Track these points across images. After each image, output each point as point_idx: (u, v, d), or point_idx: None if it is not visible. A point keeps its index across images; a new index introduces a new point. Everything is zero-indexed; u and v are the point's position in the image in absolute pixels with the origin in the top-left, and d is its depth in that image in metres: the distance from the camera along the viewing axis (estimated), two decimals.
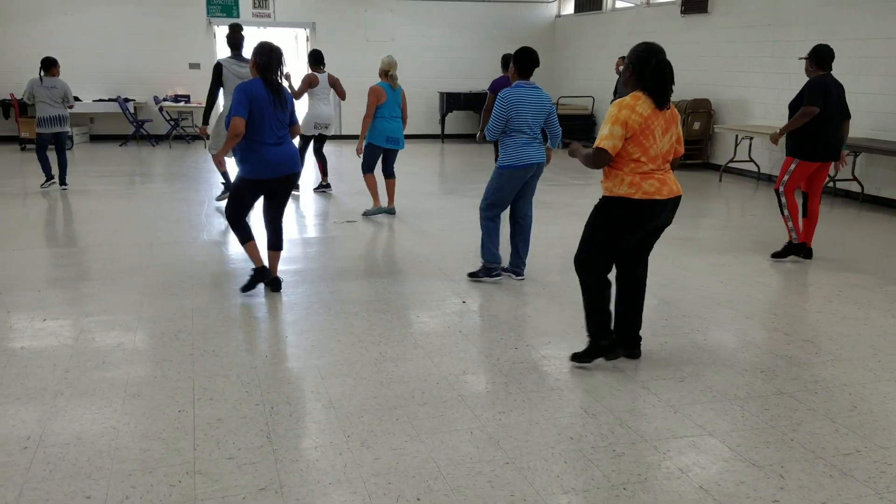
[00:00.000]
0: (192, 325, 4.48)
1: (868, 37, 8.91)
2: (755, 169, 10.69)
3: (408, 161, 12.24)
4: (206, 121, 8.00)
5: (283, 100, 4.82)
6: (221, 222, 7.47)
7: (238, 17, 14.31)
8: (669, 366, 4.01)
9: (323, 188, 9.18)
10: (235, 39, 7.70)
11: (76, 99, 10.25)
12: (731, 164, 10.85)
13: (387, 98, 7.39)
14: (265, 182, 4.89)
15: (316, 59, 8.91)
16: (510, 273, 5.64)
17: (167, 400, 3.49)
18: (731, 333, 4.54)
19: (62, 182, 8.99)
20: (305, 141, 8.92)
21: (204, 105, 8.04)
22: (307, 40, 15.06)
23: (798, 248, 6.28)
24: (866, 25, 8.93)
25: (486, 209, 5.50)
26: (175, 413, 3.36)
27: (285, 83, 8.76)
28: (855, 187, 9.18)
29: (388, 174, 7.85)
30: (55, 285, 5.27)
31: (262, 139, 4.75)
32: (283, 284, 5.25)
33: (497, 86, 8.56)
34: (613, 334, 3.99)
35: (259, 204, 5.25)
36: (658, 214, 3.74)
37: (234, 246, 6.53)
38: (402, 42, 15.34)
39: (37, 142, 8.92)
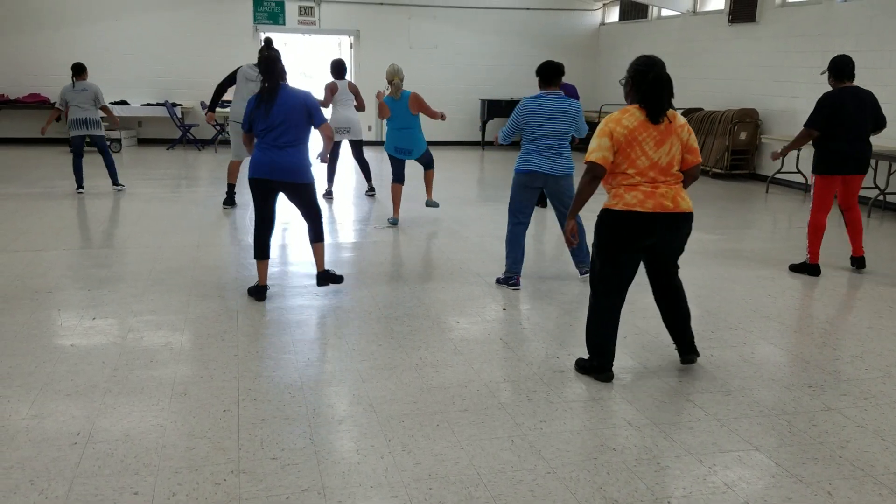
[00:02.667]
0: (236, 327, 4.55)
1: None
2: (803, 180, 10.47)
3: (447, 167, 12.28)
4: (211, 108, 8.74)
5: (274, 105, 4.82)
6: None
7: (284, 24, 14.52)
8: (716, 379, 3.95)
9: (368, 193, 9.30)
10: (341, 69, 8.37)
11: (123, 102, 10.46)
12: (777, 175, 10.66)
13: (391, 112, 7.29)
14: (261, 182, 4.95)
15: (337, 68, 9.03)
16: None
17: (213, 399, 3.55)
18: (779, 347, 4.45)
19: (115, 182, 9.15)
20: (354, 148, 9.09)
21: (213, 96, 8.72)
22: (350, 47, 15.21)
23: (811, 269, 6.08)
24: None
25: (510, 216, 5.57)
26: (220, 412, 3.41)
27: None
28: None
29: (426, 167, 7.76)
30: (104, 285, 5.39)
31: (259, 142, 4.94)
32: (328, 284, 5.30)
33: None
34: (608, 358, 3.91)
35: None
36: (645, 228, 3.67)
37: (275, 249, 6.61)
38: (444, 49, 15.41)
39: (71, 148, 9.06)
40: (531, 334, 4.57)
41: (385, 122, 7.45)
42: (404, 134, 7.35)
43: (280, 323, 4.67)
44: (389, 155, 7.55)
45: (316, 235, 5.24)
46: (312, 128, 5.03)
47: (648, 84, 3.62)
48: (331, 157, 9.18)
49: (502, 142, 5.59)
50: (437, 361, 4.09)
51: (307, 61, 20.46)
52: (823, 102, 5.87)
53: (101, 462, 2.97)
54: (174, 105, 13.91)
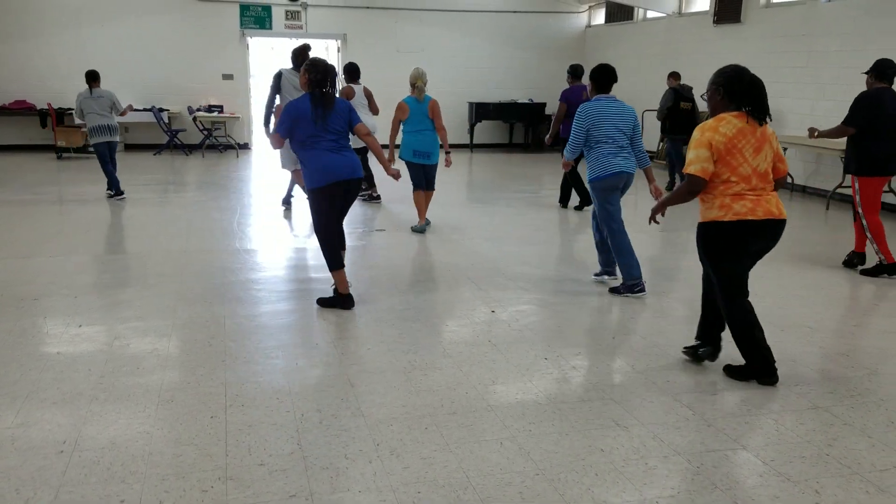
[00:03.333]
0: (224, 332, 4.53)
1: None
2: (789, 179, 10.54)
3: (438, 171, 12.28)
4: (266, 123, 8.06)
5: (332, 111, 4.81)
6: (253, 231, 7.55)
7: (271, 28, 14.50)
8: (703, 378, 3.96)
9: (368, 198, 9.24)
10: (303, 56, 7.92)
11: (133, 109, 10.30)
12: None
13: (410, 112, 7.29)
14: (332, 187, 4.84)
15: (351, 72, 8.99)
16: (603, 276, 5.72)
17: (200, 406, 3.53)
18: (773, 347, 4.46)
19: (114, 190, 9.09)
20: (359, 154, 9.08)
21: (263, 112, 8.13)
22: (338, 51, 15.19)
23: (891, 268, 6.04)
24: None
25: (606, 227, 5.40)
26: (207, 419, 3.40)
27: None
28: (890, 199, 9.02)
29: (428, 186, 7.66)
30: (91, 291, 5.36)
31: (317, 148, 4.80)
32: (351, 298, 5.11)
33: (568, 95, 8.67)
34: (769, 358, 3.86)
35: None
36: (753, 237, 3.69)
37: (265, 254, 6.60)
38: (431, 52, 15.42)
39: (97, 156, 9.00)
40: (520, 336, 4.57)
41: (401, 127, 7.40)
42: (424, 137, 7.33)
43: (268, 328, 4.65)
44: (407, 162, 7.45)
45: (342, 241, 5.26)
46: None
47: (748, 85, 3.63)
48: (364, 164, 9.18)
49: (571, 156, 5.52)
50: (426, 364, 4.09)
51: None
52: (862, 102, 5.91)
53: (88, 470, 2.95)
54: (161, 110, 13.86)
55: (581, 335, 4.67)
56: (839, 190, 9.28)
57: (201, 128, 14.06)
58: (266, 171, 12.17)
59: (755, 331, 3.81)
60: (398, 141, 7.55)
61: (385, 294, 5.39)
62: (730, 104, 3.67)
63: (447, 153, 7.49)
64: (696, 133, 3.67)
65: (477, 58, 15.68)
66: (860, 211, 6.08)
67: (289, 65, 7.82)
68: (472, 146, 15.66)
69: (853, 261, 6.28)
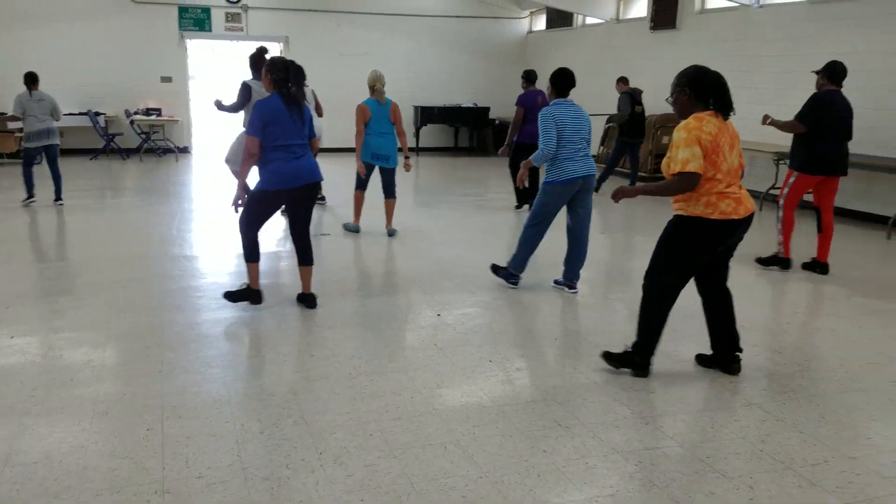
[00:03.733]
0: (161, 341, 4.43)
1: (833, 52, 9.09)
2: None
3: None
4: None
5: (301, 114, 4.79)
6: (193, 237, 7.41)
7: (210, 31, 14.26)
8: (642, 378, 4.04)
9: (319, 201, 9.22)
10: (259, 60, 7.70)
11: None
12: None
13: (372, 114, 7.19)
14: (287, 192, 4.84)
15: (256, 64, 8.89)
16: (563, 287, 5.68)
17: (136, 418, 3.44)
18: (701, 345, 4.57)
19: (58, 198, 8.80)
20: None
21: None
22: (280, 54, 15.02)
23: (784, 262, 6.34)
24: (831, 41, 9.13)
25: (528, 224, 5.57)
26: (144, 431, 3.32)
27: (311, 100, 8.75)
28: None
29: (387, 194, 7.58)
30: (23, 301, 5.18)
31: (285, 151, 4.74)
32: (261, 293, 5.14)
33: (524, 99, 8.65)
34: (651, 359, 4.02)
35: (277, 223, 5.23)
36: (733, 233, 3.78)
37: (206, 260, 6.48)
38: (376, 56, 15.36)
39: (24, 157, 8.71)
40: (465, 339, 4.59)
41: (365, 128, 7.25)
42: (385, 140, 7.28)
43: (207, 336, 4.57)
44: (364, 163, 7.37)
45: (307, 257, 5.17)
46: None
47: (712, 81, 3.69)
48: None
49: (544, 160, 5.38)
50: (371, 370, 4.07)
51: (237, 68, 20.10)
52: (816, 102, 6.04)
53: (20, 486, 2.85)
54: (97, 114, 13.49)
55: (525, 337, 4.71)
56: (772, 191, 9.59)
57: (139, 131, 13.74)
58: (206, 174, 11.95)
59: (656, 335, 3.96)
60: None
61: (329, 299, 5.35)
62: (697, 103, 3.71)
63: (406, 157, 7.50)
64: (680, 133, 3.66)
65: (421, 62, 15.71)
66: (781, 203, 6.31)
67: (245, 72, 7.66)
68: (417, 150, 15.67)
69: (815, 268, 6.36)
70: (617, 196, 3.97)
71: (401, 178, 12.39)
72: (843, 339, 4.74)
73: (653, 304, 3.94)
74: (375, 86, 7.21)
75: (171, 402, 3.61)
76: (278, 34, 14.79)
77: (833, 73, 6.11)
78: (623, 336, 4.64)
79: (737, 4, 10.47)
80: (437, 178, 12.46)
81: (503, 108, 16.32)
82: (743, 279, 6.15)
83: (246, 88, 7.54)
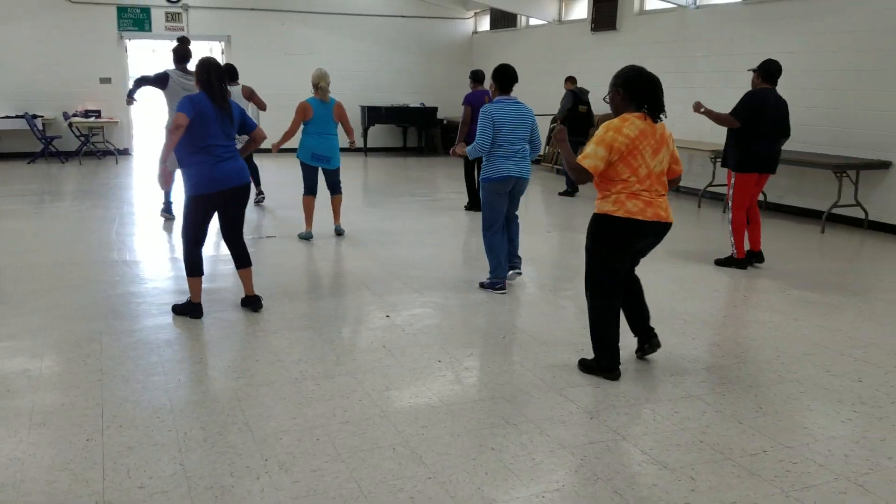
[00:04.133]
0: (101, 350, 4.32)
1: (765, 52, 9.37)
2: None
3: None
4: (130, 94, 7.83)
5: (229, 114, 4.71)
6: (133, 241, 7.24)
7: (150, 30, 13.97)
8: (586, 373, 4.10)
9: (256, 200, 9.11)
10: (183, 52, 7.61)
11: None
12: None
13: (314, 114, 7.03)
14: (214, 196, 4.73)
15: (228, 73, 8.79)
16: (511, 273, 5.83)
17: (75, 428, 3.35)
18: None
19: None
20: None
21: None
22: (222, 53, 14.79)
23: (740, 263, 6.42)
24: (762, 41, 9.41)
25: (484, 228, 5.61)
26: (83, 442, 3.23)
27: (247, 103, 8.61)
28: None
29: (332, 191, 7.47)
30: None
31: (209, 154, 4.65)
32: (201, 307, 4.96)
33: (471, 99, 8.58)
34: (616, 357, 4.00)
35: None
36: (640, 236, 3.82)
37: (146, 265, 6.34)
38: (321, 55, 15.24)
39: None
40: (414, 340, 4.59)
41: (305, 128, 7.14)
42: (327, 140, 7.11)
43: (148, 343, 4.47)
44: (304, 164, 7.22)
45: (243, 260, 5.10)
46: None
47: (645, 84, 3.73)
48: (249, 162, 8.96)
49: (478, 154, 5.47)
50: (318, 374, 4.04)
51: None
52: (750, 100, 6.13)
53: None
54: (35, 117, 13.10)
55: (474, 336, 4.73)
56: (709, 188, 9.83)
57: (78, 134, 13.39)
58: (147, 177, 11.69)
59: (611, 330, 3.96)
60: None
61: (275, 303, 5.29)
62: (630, 103, 3.76)
63: (351, 142, 7.51)
64: (599, 130, 3.74)
65: (367, 62, 15.65)
66: (729, 204, 6.45)
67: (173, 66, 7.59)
68: (366, 150, 15.61)
69: (746, 263, 6.47)
70: (557, 137, 4.07)
71: (350, 178, 12.36)
72: (779, 331, 4.89)
73: (597, 307, 3.97)
74: (320, 84, 7.05)
75: (112, 412, 3.52)
76: (220, 34, 14.57)
77: (767, 71, 6.23)
78: (570, 332, 4.72)
79: (674, 5, 10.71)
80: (386, 179, 12.43)
81: (451, 107, 16.37)
82: (684, 275, 6.29)
83: (165, 74, 7.46)
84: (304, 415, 3.54)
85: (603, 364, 3.99)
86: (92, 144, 13.63)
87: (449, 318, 5.05)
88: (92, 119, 13.64)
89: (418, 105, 15.88)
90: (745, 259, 6.45)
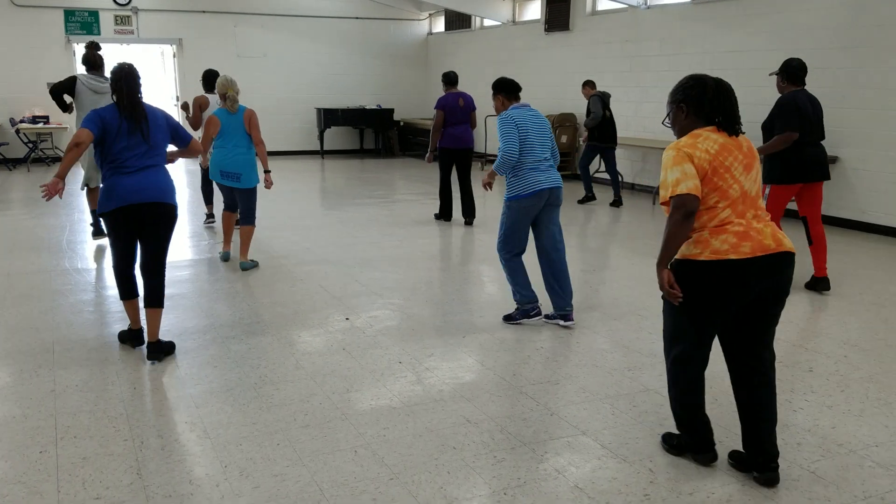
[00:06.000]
0: (53, 360, 4.22)
1: (714, 50, 9.60)
2: (620, 178, 11.22)
3: (288, 178, 12.07)
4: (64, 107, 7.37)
5: (140, 125, 4.15)
6: (85, 249, 7.09)
7: (99, 34, 13.68)
8: (546, 369, 4.15)
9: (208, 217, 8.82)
10: (92, 59, 7.11)
11: None
12: (597, 174, 11.37)
13: (221, 126, 6.19)
14: (120, 212, 4.14)
15: (207, 79, 8.24)
16: (557, 319, 4.90)
17: (27, 441, 3.27)
18: (601, 335, 4.74)
19: None
20: (203, 170, 8.57)
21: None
22: (174, 57, 14.58)
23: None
24: (712, 40, 9.62)
25: (501, 249, 4.90)
26: (36, 454, 3.16)
27: (181, 113, 8.14)
28: None
29: (241, 218, 6.43)
30: None
31: (115, 168, 4.16)
32: (168, 348, 4.41)
33: (444, 103, 8.18)
34: (703, 435, 3.14)
35: None
36: (741, 279, 2.86)
37: (98, 273, 6.21)
38: (275, 58, 15.15)
39: None
40: (374, 342, 4.58)
41: (213, 142, 6.34)
42: (234, 154, 6.21)
43: (102, 352, 4.38)
44: (216, 183, 6.50)
45: (150, 296, 4.31)
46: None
47: (714, 92, 2.96)
48: (204, 180, 8.45)
49: (507, 169, 4.72)
50: (278, 378, 4.01)
51: None
52: (788, 105, 5.50)
53: None
54: None
55: (434, 336, 4.74)
56: None
57: (26, 140, 13.06)
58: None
59: (689, 410, 3.14)
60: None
61: (231, 308, 5.23)
62: (698, 119, 2.99)
63: (266, 172, 6.35)
64: (669, 152, 2.93)
65: (323, 63, 15.57)
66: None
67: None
68: (322, 153, 15.53)
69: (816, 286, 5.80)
70: (661, 280, 2.98)
71: (308, 181, 12.29)
72: None
73: (676, 382, 3.12)
74: (227, 93, 6.19)
75: (65, 423, 3.45)
76: (171, 37, 14.35)
77: (791, 72, 5.68)
78: (530, 330, 4.75)
79: (625, 6, 10.87)
80: (344, 181, 12.37)
81: (408, 109, 16.39)
82: (640, 271, 6.39)
83: (72, 79, 6.99)
84: (263, 420, 3.50)
85: (689, 441, 3.17)
86: (40, 151, 13.32)
87: (409, 319, 5.05)
88: (40, 125, 13.32)
89: (375, 107, 15.85)
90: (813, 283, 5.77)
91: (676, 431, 3.23)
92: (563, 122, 11.77)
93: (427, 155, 8.56)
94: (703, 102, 2.96)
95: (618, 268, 6.37)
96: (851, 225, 8.30)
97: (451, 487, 2.93)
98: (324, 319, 5.03)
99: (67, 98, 7.14)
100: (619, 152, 10.92)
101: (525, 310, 4.93)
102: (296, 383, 3.94)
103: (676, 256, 2.97)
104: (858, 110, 8.10)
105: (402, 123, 16.10)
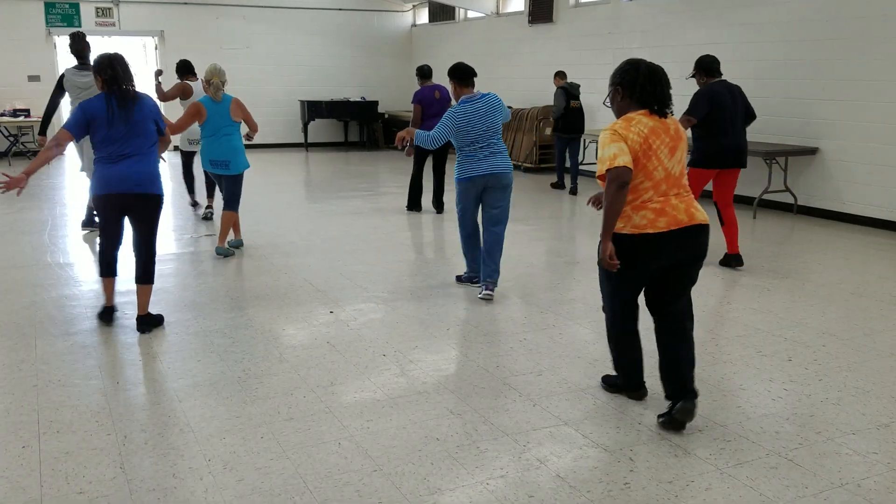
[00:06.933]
0: (35, 355, 4.21)
1: (696, 42, 9.63)
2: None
3: (272, 171, 12.04)
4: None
5: (129, 113, 4.33)
6: (67, 243, 7.05)
7: (80, 26, 13.55)
8: (529, 361, 4.18)
9: (192, 205, 8.84)
10: (79, 48, 7.20)
11: None
12: (581, 168, 11.40)
13: (207, 114, 6.35)
14: (109, 198, 4.42)
15: (183, 69, 8.52)
16: (482, 286, 5.39)
17: (9, 436, 3.26)
18: (584, 327, 4.78)
19: None
20: (185, 157, 8.64)
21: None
22: (156, 49, 14.46)
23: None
24: (694, 32, 9.66)
25: (459, 225, 5.54)
26: (19, 449, 3.15)
27: (152, 84, 8.36)
28: None
29: (225, 204, 6.59)
30: None
31: (104, 155, 4.38)
32: (157, 321, 4.72)
33: (420, 97, 8.40)
34: (638, 379, 3.67)
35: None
36: (653, 253, 3.25)
37: (81, 267, 6.18)
38: (258, 50, 15.06)
39: None
40: (358, 335, 4.59)
41: (201, 131, 6.52)
42: (221, 143, 6.36)
43: (85, 346, 4.37)
44: (205, 171, 6.77)
45: (141, 274, 4.61)
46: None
47: (645, 77, 3.23)
48: (186, 169, 8.71)
49: (424, 143, 5.27)
50: (262, 372, 4.01)
51: None
52: (702, 95, 5.95)
53: None
54: None
55: (418, 329, 4.76)
56: (766, 194, 9.78)
57: (6, 134, 12.94)
58: (81, 177, 11.35)
59: (624, 358, 3.64)
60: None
61: (215, 301, 5.22)
62: (631, 101, 3.28)
63: (249, 135, 6.67)
64: (605, 133, 3.23)
65: (306, 55, 15.50)
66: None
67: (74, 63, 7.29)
68: (307, 145, 15.47)
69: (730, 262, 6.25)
70: (601, 253, 3.31)
71: (292, 174, 12.24)
72: (713, 314, 5.05)
73: (612, 334, 3.61)
74: (212, 80, 6.31)
75: (48, 417, 3.44)
76: (153, 29, 14.23)
77: (705, 67, 6.12)
78: (513, 323, 4.78)
79: None
80: (329, 174, 12.34)
81: (392, 101, 16.34)
82: None
83: (60, 78, 7.19)
84: (247, 413, 3.51)
85: (621, 384, 3.71)
86: (21, 145, 13.19)
87: (393, 312, 5.07)
88: (21, 118, 13.19)
89: (359, 99, 15.80)
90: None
91: (614, 373, 3.75)
92: (546, 114, 11.78)
93: (407, 148, 8.63)
94: (636, 86, 3.24)
95: (593, 256, 6.41)
96: (831, 216, 8.38)
97: (435, 478, 2.95)
98: (308, 313, 5.03)
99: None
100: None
101: (469, 276, 5.69)
102: (280, 376, 3.95)
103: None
104: (838, 102, 8.18)
105: (386, 116, 16.06)
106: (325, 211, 8.84)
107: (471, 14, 14.35)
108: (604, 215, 3.22)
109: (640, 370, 3.65)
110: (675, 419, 3.33)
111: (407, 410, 3.55)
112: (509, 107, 12.62)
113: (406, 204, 8.98)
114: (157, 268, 6.02)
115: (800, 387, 3.87)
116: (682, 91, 6.37)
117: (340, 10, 15.59)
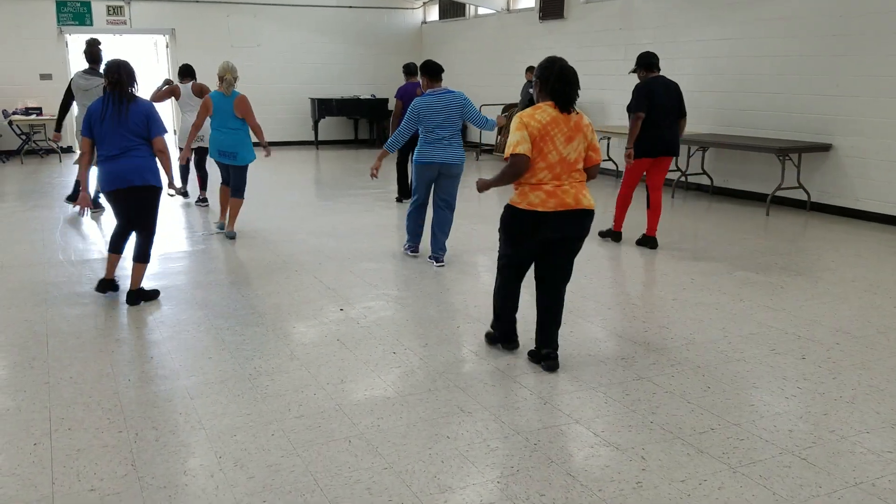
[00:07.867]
0: (47, 352, 4.23)
1: (709, 38, 9.58)
2: (614, 167, 11.23)
3: (282, 169, 12.05)
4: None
5: (121, 114, 4.78)
6: (79, 241, 7.08)
7: (91, 25, 13.61)
8: (510, 350, 4.21)
9: (200, 201, 8.89)
10: (92, 54, 7.81)
11: None
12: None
13: (214, 108, 6.89)
14: (108, 195, 4.93)
15: (182, 72, 8.91)
16: (432, 261, 6.20)
17: (21, 433, 3.28)
18: (595, 324, 4.76)
19: None
20: (198, 154, 8.81)
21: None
22: (167, 47, 14.51)
23: (616, 235, 6.98)
24: (706, 28, 9.60)
25: (411, 200, 6.29)
26: (30, 446, 3.16)
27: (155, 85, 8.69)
28: (704, 180, 9.83)
29: (232, 192, 7.17)
30: None
31: (99, 155, 4.87)
32: (150, 296, 5.20)
33: (403, 93, 8.76)
34: (510, 328, 4.29)
35: None
36: (540, 227, 3.83)
37: (92, 265, 6.20)
38: (269, 47, 15.08)
39: None
40: (368, 333, 4.59)
41: (211, 122, 7.02)
42: (228, 135, 6.88)
43: (97, 343, 4.39)
44: (215, 160, 7.17)
45: (136, 253, 5.12)
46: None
47: (555, 76, 3.76)
48: (199, 165, 8.93)
49: (390, 147, 6.04)
50: (273, 369, 4.02)
51: None
52: (640, 90, 6.46)
53: None
54: None
55: (428, 327, 4.75)
56: (779, 191, 9.80)
57: (19, 132, 12.99)
58: (92, 174, 11.41)
59: (503, 307, 4.21)
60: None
61: (226, 299, 5.23)
62: (544, 94, 3.83)
63: (266, 146, 7.22)
64: (514, 120, 3.81)
65: (316, 53, 15.50)
66: (620, 181, 6.81)
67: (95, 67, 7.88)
68: (317, 143, 15.49)
69: (647, 243, 6.82)
70: (479, 187, 4.17)
71: (302, 172, 12.24)
72: (726, 312, 5.02)
73: (497, 282, 4.23)
74: (225, 76, 6.82)
75: (60, 415, 3.46)
76: (164, 27, 14.28)
77: (645, 62, 6.57)
78: (524, 321, 4.76)
79: None
80: (338, 172, 12.34)
81: None
82: (630, 262, 6.40)
83: (68, 84, 7.87)
84: (258, 410, 3.51)
85: (497, 334, 4.30)
86: (34, 143, 13.26)
87: (403, 309, 5.06)
88: (33, 117, 13.26)
89: (369, 97, 15.80)
90: (620, 233, 6.98)
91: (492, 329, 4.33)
92: None
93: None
94: (549, 81, 3.79)
95: (612, 258, 6.39)
96: (845, 213, 8.32)
97: (445, 476, 2.95)
98: (318, 310, 5.03)
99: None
100: (615, 142, 10.92)
101: (408, 246, 6.44)
102: (290, 374, 3.95)
103: (508, 202, 3.95)
104: (852, 98, 8.11)
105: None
106: (335, 209, 8.84)
107: (481, 11, 14.31)
108: (495, 179, 3.97)
109: (514, 323, 4.27)
110: (543, 367, 4.03)
111: (417, 408, 3.54)
112: (516, 103, 12.68)
113: (395, 196, 9.34)
114: (168, 265, 6.08)
115: (813, 385, 3.84)
116: (626, 87, 6.35)
117: (351, 7, 15.58)
